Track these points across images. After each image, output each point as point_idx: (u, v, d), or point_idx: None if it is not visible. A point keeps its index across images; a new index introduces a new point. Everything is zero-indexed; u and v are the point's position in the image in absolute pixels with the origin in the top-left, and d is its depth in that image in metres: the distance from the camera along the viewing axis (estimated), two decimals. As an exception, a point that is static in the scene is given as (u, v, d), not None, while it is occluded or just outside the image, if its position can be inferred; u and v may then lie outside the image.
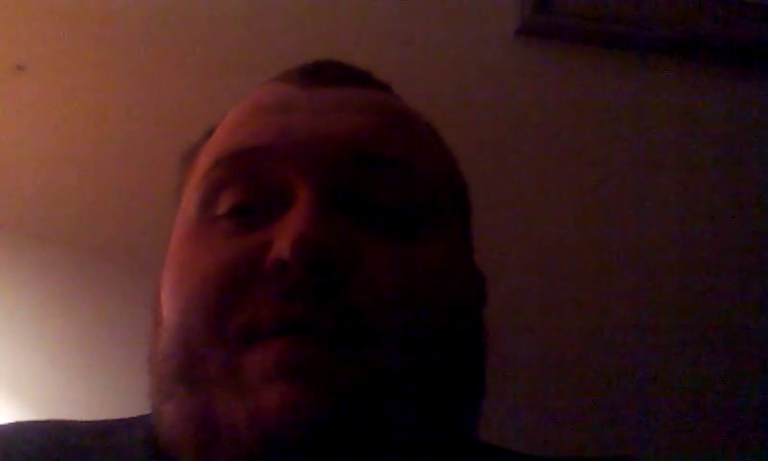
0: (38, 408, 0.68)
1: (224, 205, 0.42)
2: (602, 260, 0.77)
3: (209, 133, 0.48)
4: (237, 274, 0.39)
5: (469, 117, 0.77)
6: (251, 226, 0.41)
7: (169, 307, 0.41)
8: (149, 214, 0.70)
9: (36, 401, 0.68)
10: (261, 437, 0.35)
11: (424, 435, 0.39)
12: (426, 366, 0.39)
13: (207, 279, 0.39)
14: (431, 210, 0.43)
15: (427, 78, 0.76)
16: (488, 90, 0.78)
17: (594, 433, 0.73)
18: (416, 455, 0.39)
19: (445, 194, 0.46)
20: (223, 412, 0.37)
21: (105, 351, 0.70)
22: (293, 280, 0.37)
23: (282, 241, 0.37)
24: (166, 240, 0.46)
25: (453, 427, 0.41)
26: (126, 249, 0.71)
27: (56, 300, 0.71)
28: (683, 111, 0.80)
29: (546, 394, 0.73)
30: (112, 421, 0.49)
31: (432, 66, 0.77)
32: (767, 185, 0.80)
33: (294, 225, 0.38)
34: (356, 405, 0.36)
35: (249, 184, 0.42)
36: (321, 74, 0.47)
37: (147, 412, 0.42)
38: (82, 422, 0.49)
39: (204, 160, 0.45)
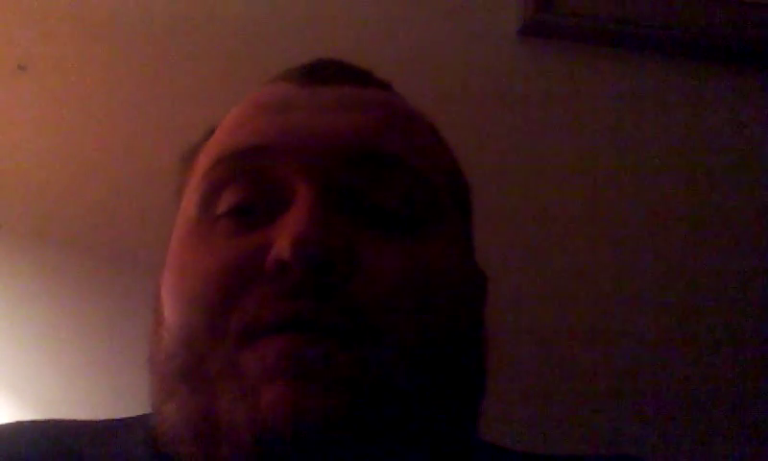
0: (38, 408, 0.68)
1: (224, 204, 0.42)
2: (603, 260, 0.77)
3: (210, 132, 0.48)
4: (238, 274, 0.38)
5: (471, 116, 0.77)
6: (251, 225, 0.40)
7: (170, 307, 0.41)
8: (149, 214, 0.70)
9: (36, 401, 0.68)
10: (260, 437, 0.35)
11: (424, 434, 0.39)
12: (427, 365, 0.39)
13: (209, 280, 0.39)
14: (432, 209, 0.43)
15: (429, 77, 0.76)
16: (490, 90, 0.78)
17: (594, 432, 0.73)
18: (416, 454, 0.39)
19: (446, 193, 0.46)
20: (224, 411, 0.37)
21: (105, 351, 0.70)
22: (293, 281, 0.37)
23: (282, 241, 0.37)
24: (167, 240, 0.46)
25: (454, 426, 0.41)
26: (126, 249, 0.71)
27: (56, 299, 0.71)
28: (684, 111, 0.80)
29: (547, 393, 0.73)
30: (112, 421, 0.49)
31: (434, 66, 0.77)
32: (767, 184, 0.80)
33: (294, 224, 0.37)
34: (355, 405, 0.36)
35: (249, 184, 0.41)
36: (321, 73, 0.46)
37: (147, 412, 0.42)
38: (82, 422, 0.49)
39: (204, 160, 0.45)
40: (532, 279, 0.75)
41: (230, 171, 0.42)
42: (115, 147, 0.73)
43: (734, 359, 0.76)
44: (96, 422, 0.49)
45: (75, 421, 0.49)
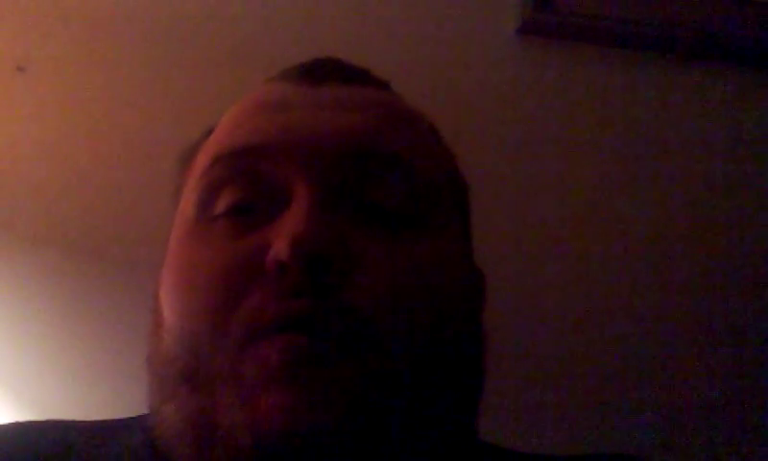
0: (38, 408, 0.68)
1: (222, 204, 0.42)
2: (602, 259, 0.77)
3: (208, 132, 0.48)
4: (238, 275, 0.38)
5: (470, 116, 0.77)
6: (250, 225, 0.40)
7: (170, 308, 0.41)
8: (149, 214, 0.70)
9: (36, 402, 0.68)
10: (258, 442, 0.35)
11: (424, 436, 0.39)
12: (425, 366, 0.38)
13: (209, 282, 0.39)
14: (431, 209, 0.43)
15: (428, 76, 0.76)
16: (489, 89, 0.78)
17: (594, 432, 0.73)
18: (415, 456, 0.39)
19: (445, 192, 0.46)
20: (223, 414, 0.37)
21: (104, 351, 0.70)
22: (292, 280, 0.37)
23: (280, 241, 0.37)
24: (166, 240, 0.46)
25: (452, 427, 0.41)
26: (125, 249, 0.71)
27: (55, 299, 0.71)
28: (683, 110, 0.80)
29: (546, 393, 0.73)
30: (112, 421, 0.49)
31: (433, 65, 0.77)
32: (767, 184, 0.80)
33: (292, 224, 0.37)
34: (354, 412, 0.36)
35: (247, 183, 0.41)
36: (319, 72, 0.46)
37: (146, 412, 0.42)
38: (81, 422, 0.49)
39: (202, 160, 0.45)
40: (531, 279, 0.75)
41: (228, 171, 0.42)
42: (114, 147, 0.73)
43: (735, 359, 0.76)
44: (95, 422, 0.49)
45: (74, 421, 0.49)
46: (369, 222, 0.40)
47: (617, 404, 0.74)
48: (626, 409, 0.74)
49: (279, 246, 0.37)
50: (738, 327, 0.76)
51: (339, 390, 0.36)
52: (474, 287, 0.48)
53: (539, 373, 0.74)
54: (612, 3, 0.79)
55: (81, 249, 0.72)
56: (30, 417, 0.53)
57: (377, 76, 0.50)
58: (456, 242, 0.45)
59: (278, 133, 0.42)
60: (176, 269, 0.42)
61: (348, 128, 0.42)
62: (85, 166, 0.73)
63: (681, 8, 0.80)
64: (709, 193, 0.79)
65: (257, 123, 0.43)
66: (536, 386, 0.73)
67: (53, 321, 0.71)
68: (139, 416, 0.45)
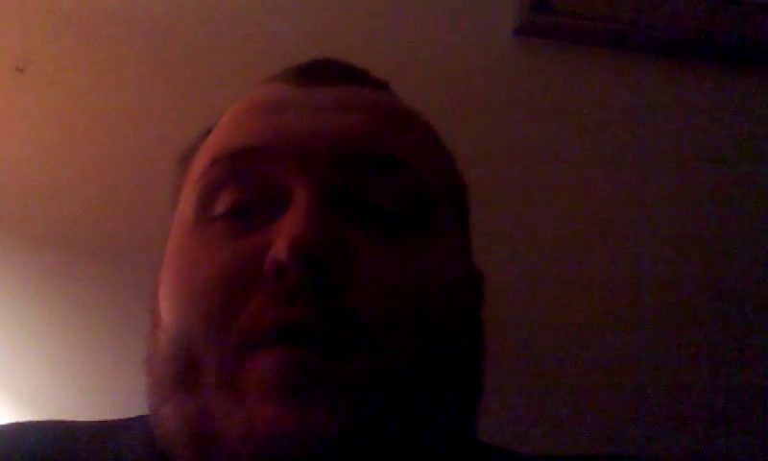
0: (38, 408, 0.68)
1: (221, 205, 0.41)
2: (600, 259, 0.77)
3: (206, 133, 0.48)
4: (236, 277, 0.38)
5: (468, 116, 0.77)
6: (248, 227, 0.40)
7: (167, 309, 0.41)
8: (148, 214, 0.70)
9: (36, 402, 0.68)
10: (254, 451, 0.35)
11: (422, 439, 0.39)
12: (423, 367, 0.38)
13: (206, 283, 0.39)
14: (429, 210, 0.43)
15: (425, 77, 0.76)
16: (486, 90, 0.78)
17: (594, 432, 0.73)
18: (414, 457, 0.39)
19: (444, 193, 0.46)
20: (219, 419, 0.37)
21: (105, 352, 0.70)
22: (291, 283, 0.37)
23: (279, 243, 0.37)
24: (165, 240, 0.46)
25: (451, 429, 0.41)
26: (125, 249, 0.71)
27: (55, 300, 0.71)
28: (681, 111, 0.80)
29: (545, 393, 0.73)
30: (112, 421, 0.49)
31: (430, 66, 0.77)
32: (767, 185, 0.80)
33: (291, 226, 0.37)
34: (351, 422, 0.36)
35: (246, 184, 0.41)
36: (318, 73, 0.46)
37: (146, 412, 0.42)
38: (81, 422, 0.49)
39: (201, 161, 0.45)
40: (530, 279, 0.75)
41: (227, 172, 0.42)
42: (113, 148, 0.73)
43: (735, 359, 0.76)
44: (96, 422, 0.49)
45: (74, 421, 0.49)
46: (368, 223, 0.40)
47: (617, 405, 0.74)
48: (626, 410, 0.74)
49: (278, 247, 0.37)
50: (738, 328, 0.77)
51: (335, 401, 0.36)
52: (473, 288, 0.48)
53: (538, 373, 0.74)
54: (610, 4, 0.79)
55: (81, 249, 0.72)
56: (30, 417, 0.53)
57: (376, 77, 0.50)
58: (455, 243, 0.45)
59: (277, 135, 0.42)
60: (174, 270, 0.42)
61: (348, 129, 0.42)
62: (85, 166, 0.73)
63: (679, 9, 0.80)
64: (710, 193, 0.79)
65: (256, 124, 0.43)
66: (535, 386, 0.73)
67: (53, 321, 0.71)
68: (139, 416, 0.45)
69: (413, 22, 0.78)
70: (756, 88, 0.82)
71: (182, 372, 0.38)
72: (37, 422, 0.49)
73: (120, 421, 0.48)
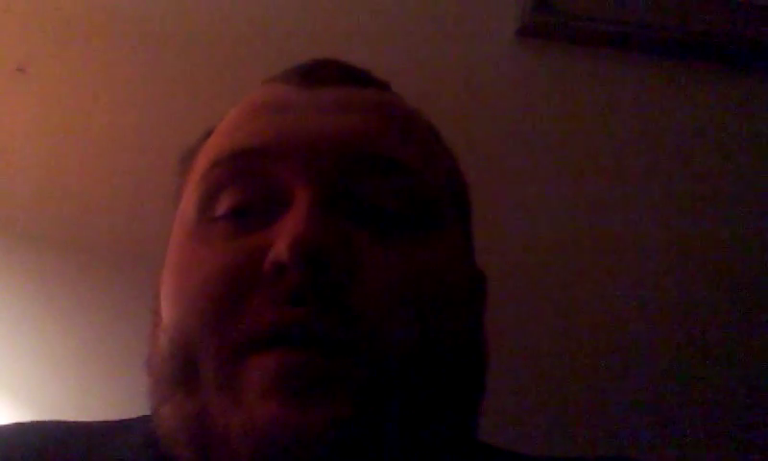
0: (38, 408, 0.68)
1: (222, 206, 0.41)
2: (601, 260, 0.77)
3: (208, 133, 0.48)
4: (237, 278, 0.38)
5: (470, 117, 0.77)
6: (249, 227, 0.40)
7: (168, 309, 0.41)
8: (149, 215, 0.70)
9: (36, 402, 0.68)
10: (254, 451, 0.35)
11: (422, 440, 0.39)
12: (424, 368, 0.38)
13: (207, 283, 0.39)
14: (431, 210, 0.43)
15: (427, 78, 0.76)
16: (488, 91, 0.78)
17: (594, 433, 0.73)
18: (415, 457, 0.39)
19: (446, 194, 0.46)
20: (218, 419, 0.37)
21: (105, 352, 0.70)
22: (291, 284, 0.37)
23: (280, 243, 0.37)
24: (166, 241, 0.46)
25: (453, 429, 0.41)
26: (126, 249, 0.71)
27: (55, 300, 0.71)
28: (683, 112, 0.80)
29: (546, 393, 0.73)
30: (112, 422, 0.49)
31: (432, 67, 0.77)
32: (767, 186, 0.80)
33: (291, 227, 0.37)
34: (352, 423, 0.36)
35: (247, 185, 0.41)
36: (319, 73, 0.46)
37: (147, 413, 0.42)
38: (81, 422, 0.49)
39: (202, 161, 0.45)
40: (530, 280, 0.75)
41: (228, 173, 0.42)
42: (114, 148, 0.73)
43: (735, 360, 0.76)
44: (96, 422, 0.49)
45: (75, 421, 0.49)
46: (369, 224, 0.40)
47: (617, 405, 0.74)
48: (625, 410, 0.74)
49: (279, 248, 0.37)
50: (739, 329, 0.76)
51: (336, 401, 0.36)
52: (475, 288, 0.48)
53: (538, 373, 0.74)
54: (612, 5, 0.79)
55: (81, 249, 0.72)
56: (30, 417, 0.53)
57: (378, 77, 0.50)
58: (456, 243, 0.45)
59: (278, 135, 0.42)
60: (175, 270, 0.42)
61: (349, 129, 0.42)
62: (85, 166, 0.73)
63: (680, 9, 0.80)
64: (710, 193, 0.79)
65: (257, 125, 0.43)
66: (535, 386, 0.73)
67: (53, 321, 0.71)
68: (140, 417, 0.45)
69: (415, 23, 0.78)
70: (759, 89, 0.82)
71: (182, 372, 0.38)
72: (37, 422, 0.49)
73: (121, 421, 0.48)
